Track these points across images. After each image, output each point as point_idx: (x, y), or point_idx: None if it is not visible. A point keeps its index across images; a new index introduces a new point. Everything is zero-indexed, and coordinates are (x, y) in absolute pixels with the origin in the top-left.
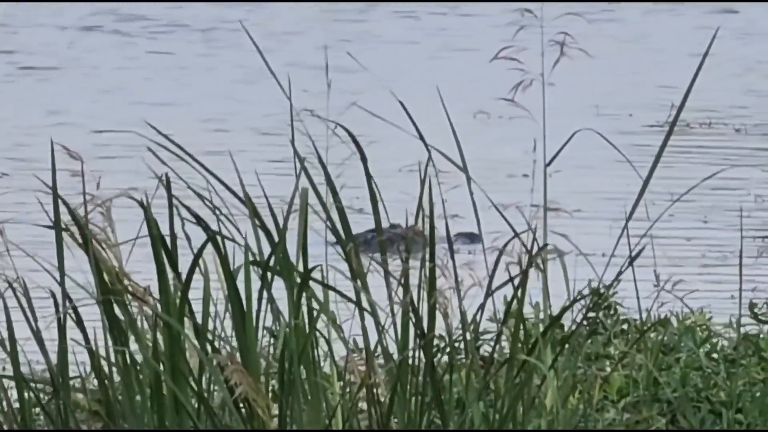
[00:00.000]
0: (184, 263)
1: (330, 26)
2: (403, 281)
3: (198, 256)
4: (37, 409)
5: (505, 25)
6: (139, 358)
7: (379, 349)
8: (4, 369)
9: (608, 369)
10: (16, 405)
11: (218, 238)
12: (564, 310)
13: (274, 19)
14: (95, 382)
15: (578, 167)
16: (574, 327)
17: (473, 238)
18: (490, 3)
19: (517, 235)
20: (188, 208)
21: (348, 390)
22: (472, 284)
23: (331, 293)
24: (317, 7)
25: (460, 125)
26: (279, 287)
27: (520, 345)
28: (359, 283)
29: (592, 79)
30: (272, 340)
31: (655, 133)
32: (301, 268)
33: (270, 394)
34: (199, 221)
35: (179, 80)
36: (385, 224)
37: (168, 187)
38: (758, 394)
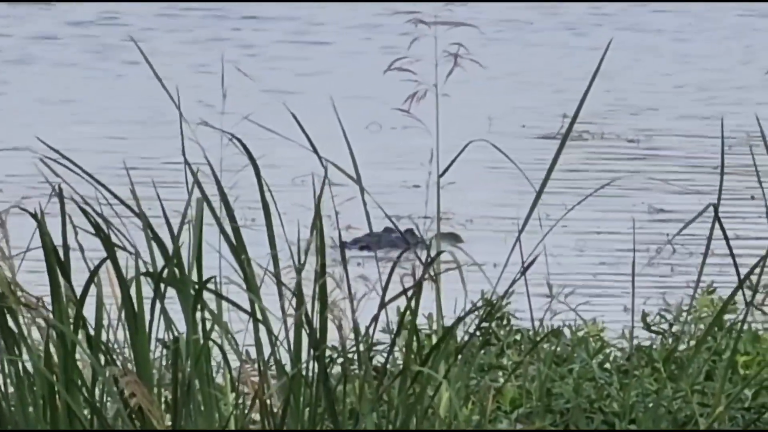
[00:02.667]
0: (81, 275)
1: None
2: (296, 292)
3: (97, 268)
4: None
5: (399, 35)
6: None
7: (272, 359)
8: None
9: (501, 380)
10: None
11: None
12: (457, 321)
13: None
14: None
15: (472, 178)
16: (467, 338)
17: (456, 239)
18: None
19: (410, 245)
20: (88, 215)
21: (241, 401)
22: (364, 294)
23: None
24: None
25: (354, 137)
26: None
27: (413, 356)
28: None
29: (487, 90)
30: (165, 351)
31: (549, 143)
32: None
33: (163, 405)
34: (98, 232)
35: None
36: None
37: (61, 198)
38: (651, 404)
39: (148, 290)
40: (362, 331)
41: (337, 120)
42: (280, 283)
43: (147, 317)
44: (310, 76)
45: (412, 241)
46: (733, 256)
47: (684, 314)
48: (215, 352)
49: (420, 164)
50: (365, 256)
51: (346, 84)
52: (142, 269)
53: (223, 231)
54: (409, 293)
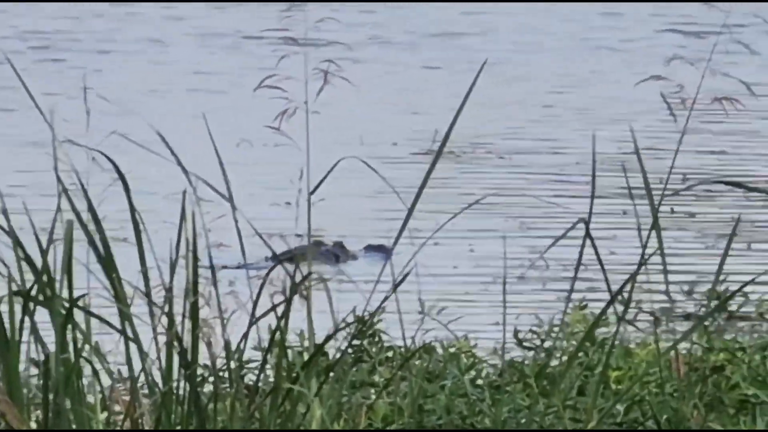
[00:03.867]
0: None
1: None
2: (167, 310)
3: None
4: None
5: (271, 53)
6: None
7: (143, 378)
8: None
9: (373, 396)
10: None
11: None
12: (328, 338)
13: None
14: None
15: (343, 196)
16: (338, 355)
17: (386, 251)
18: (258, 35)
19: (280, 262)
20: None
21: (112, 420)
22: (233, 312)
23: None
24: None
25: (224, 154)
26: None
27: (284, 373)
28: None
29: (358, 108)
30: (36, 370)
31: (420, 161)
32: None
33: (34, 425)
34: None
35: None
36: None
37: None
38: (523, 420)
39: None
40: (233, 348)
41: (209, 137)
42: (150, 302)
43: (18, 336)
44: (178, 92)
45: (341, 255)
46: (604, 271)
47: (556, 330)
48: (86, 370)
49: (290, 182)
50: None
51: (217, 100)
52: (14, 288)
53: (94, 248)
54: (280, 311)
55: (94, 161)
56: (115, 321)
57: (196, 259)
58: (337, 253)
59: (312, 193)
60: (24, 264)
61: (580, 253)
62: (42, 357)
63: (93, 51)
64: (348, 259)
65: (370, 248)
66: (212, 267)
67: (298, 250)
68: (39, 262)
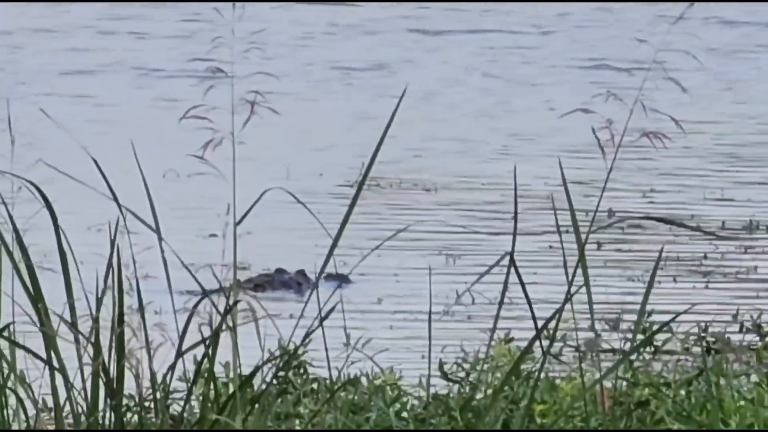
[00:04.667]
0: None
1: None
2: (93, 341)
3: None
4: None
5: (198, 82)
6: None
7: (68, 408)
8: None
9: (298, 428)
10: None
11: None
12: (255, 370)
13: None
14: None
15: (269, 227)
16: (264, 386)
17: (344, 279)
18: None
19: (207, 295)
20: None
21: None
22: (160, 343)
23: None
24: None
25: (151, 184)
26: None
27: (210, 404)
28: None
29: (285, 139)
30: None
31: (346, 191)
32: None
33: None
34: None
35: None
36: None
37: None
38: None
39: None
40: (159, 379)
41: (137, 167)
42: (76, 332)
43: None
44: (103, 122)
45: (303, 283)
46: (530, 305)
47: (481, 363)
48: (11, 400)
49: (217, 214)
50: (260, 296)
51: (144, 131)
52: None
53: (20, 278)
54: (206, 342)
55: (20, 190)
56: (42, 351)
57: (122, 290)
58: (300, 282)
59: (238, 224)
60: None
61: (504, 287)
62: None
63: (13, 82)
64: (310, 288)
65: (330, 277)
66: (140, 298)
67: (258, 279)
68: None
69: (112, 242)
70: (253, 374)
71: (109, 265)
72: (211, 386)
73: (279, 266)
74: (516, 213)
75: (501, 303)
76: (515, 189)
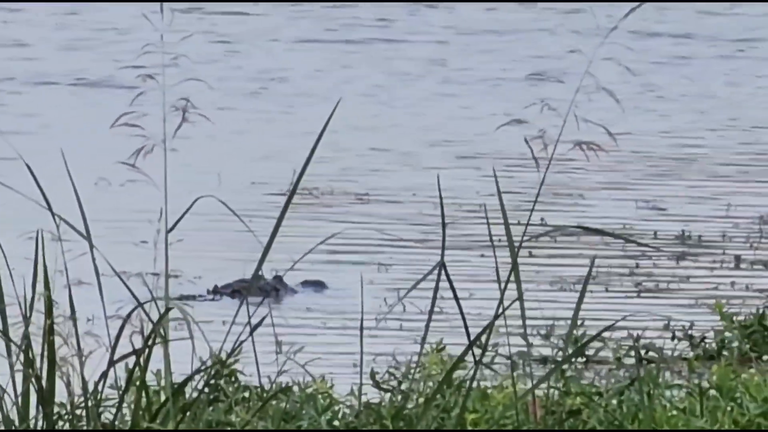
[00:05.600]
0: None
1: None
2: (24, 348)
3: None
4: None
5: (128, 91)
6: None
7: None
8: None
9: None
10: None
11: None
12: (187, 379)
13: None
14: None
15: (201, 235)
16: (196, 395)
17: (321, 285)
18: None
19: (140, 304)
20: None
21: None
22: (90, 351)
23: None
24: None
25: (83, 192)
26: None
27: (142, 412)
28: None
29: (217, 147)
30: None
31: (278, 200)
32: None
33: None
34: None
35: None
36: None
37: None
38: None
39: None
40: (91, 387)
41: (68, 174)
42: (8, 339)
43: None
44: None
45: (281, 289)
46: (462, 314)
47: (413, 371)
48: None
49: (148, 221)
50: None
51: (75, 139)
52: None
53: None
54: (138, 351)
55: None
56: None
57: (49, 297)
58: (278, 287)
59: (169, 231)
60: None
61: (434, 295)
62: None
63: None
64: (288, 293)
65: (307, 283)
66: (72, 305)
67: (236, 284)
68: None
69: (37, 248)
70: (185, 383)
71: (35, 271)
72: (143, 394)
73: (211, 275)
74: (444, 223)
75: (431, 312)
76: (440, 198)
